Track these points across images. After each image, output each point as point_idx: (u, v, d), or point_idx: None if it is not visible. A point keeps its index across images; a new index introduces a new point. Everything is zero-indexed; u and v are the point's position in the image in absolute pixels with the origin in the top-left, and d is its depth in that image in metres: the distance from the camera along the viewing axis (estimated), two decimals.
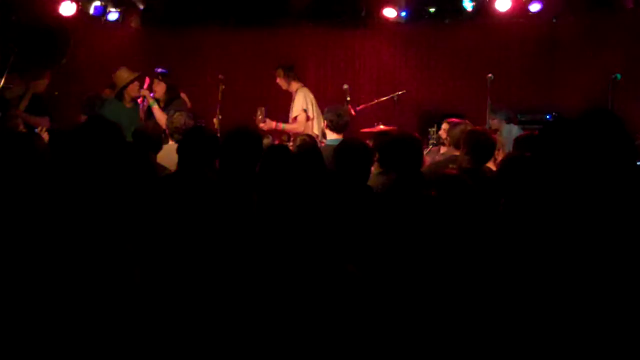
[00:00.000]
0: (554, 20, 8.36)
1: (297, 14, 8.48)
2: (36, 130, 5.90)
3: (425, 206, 2.99)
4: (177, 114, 5.28)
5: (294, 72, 7.08)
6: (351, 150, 3.88)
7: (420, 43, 8.96)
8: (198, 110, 6.40)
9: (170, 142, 5.15)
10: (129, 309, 2.86)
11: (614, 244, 2.74)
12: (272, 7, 8.49)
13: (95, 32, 8.06)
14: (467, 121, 5.46)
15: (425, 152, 5.55)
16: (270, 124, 6.74)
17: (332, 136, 5.37)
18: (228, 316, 2.91)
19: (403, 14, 8.36)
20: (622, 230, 2.76)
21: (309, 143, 4.91)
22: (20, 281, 2.81)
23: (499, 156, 4.72)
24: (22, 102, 6.40)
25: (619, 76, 6.66)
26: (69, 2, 7.35)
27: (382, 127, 6.83)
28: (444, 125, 5.65)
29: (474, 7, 8.02)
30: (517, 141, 4.59)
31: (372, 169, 4.16)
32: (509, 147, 5.51)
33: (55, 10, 7.33)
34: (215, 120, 6.75)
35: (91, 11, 7.77)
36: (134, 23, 8.39)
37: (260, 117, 6.70)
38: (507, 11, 7.75)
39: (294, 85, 7.05)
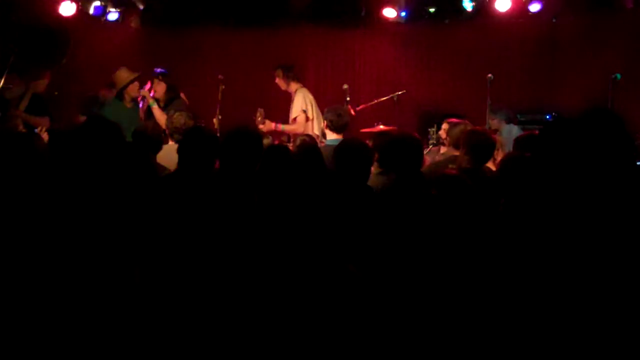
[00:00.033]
0: (554, 20, 8.36)
1: (297, 14, 8.47)
2: (36, 130, 5.90)
3: (425, 206, 2.99)
4: (177, 114, 5.28)
5: (293, 73, 7.08)
6: (351, 150, 3.87)
7: (420, 43, 8.95)
8: (198, 110, 6.39)
9: (170, 142, 5.15)
10: (129, 309, 2.86)
11: (614, 243, 2.74)
12: (272, 7, 8.49)
13: (95, 32, 8.05)
14: (467, 121, 5.46)
15: (425, 152, 5.54)
16: (269, 126, 6.74)
17: (332, 136, 5.37)
18: (228, 316, 2.91)
19: (403, 14, 8.36)
20: (622, 230, 2.76)
21: (309, 143, 4.91)
22: (20, 281, 2.81)
23: (499, 156, 4.72)
24: (22, 102, 6.39)
25: (619, 76, 6.66)
26: (69, 2, 7.35)
27: (382, 127, 6.83)
28: (444, 125, 5.65)
29: (473, 7, 8.02)
30: (518, 141, 4.59)
31: (372, 169, 4.16)
32: (509, 147, 5.51)
33: (55, 10, 7.33)
34: (215, 120, 6.75)
35: (91, 11, 7.77)
36: (134, 23, 8.39)
37: (259, 118, 6.70)
38: (507, 11, 7.75)
39: (293, 86, 7.05)
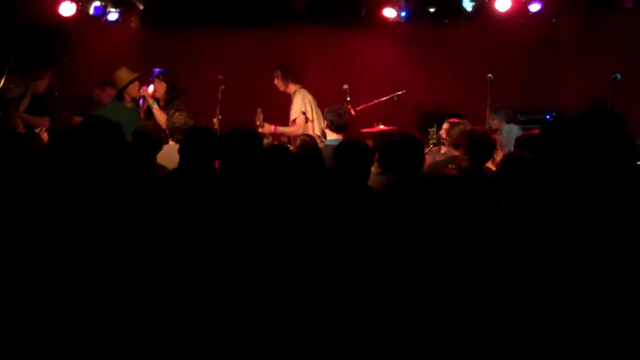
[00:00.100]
0: (554, 20, 8.35)
1: (297, 14, 8.47)
2: (36, 130, 5.90)
3: (429, 202, 2.99)
4: (177, 114, 5.28)
5: (292, 74, 7.07)
6: (351, 150, 3.88)
7: (420, 43, 8.95)
8: (198, 110, 6.38)
9: (171, 143, 5.15)
10: (131, 308, 2.86)
11: (614, 243, 2.74)
12: (272, 8, 8.48)
13: (95, 32, 8.05)
14: (466, 121, 5.46)
15: (425, 152, 5.54)
16: (269, 128, 6.72)
17: (332, 136, 5.38)
18: (228, 315, 2.91)
19: (403, 14, 8.35)
20: (622, 229, 2.76)
21: (309, 143, 4.91)
22: (21, 281, 2.81)
23: (498, 156, 4.72)
24: (22, 103, 6.40)
25: (619, 76, 6.66)
26: (69, 2, 7.35)
27: (382, 127, 6.83)
28: (445, 125, 5.65)
29: (473, 7, 8.02)
30: (519, 141, 4.59)
31: (372, 169, 4.16)
32: (509, 147, 5.51)
33: (55, 10, 7.32)
34: (215, 120, 6.74)
35: (91, 11, 7.77)
36: (134, 23, 8.39)
37: (258, 122, 6.68)
38: (507, 11, 7.75)
39: (292, 87, 7.04)
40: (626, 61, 7.54)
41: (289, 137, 6.91)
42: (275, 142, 6.27)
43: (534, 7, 7.85)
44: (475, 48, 8.63)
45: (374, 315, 2.70)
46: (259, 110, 6.75)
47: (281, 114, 7.10)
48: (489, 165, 4.58)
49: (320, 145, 5.32)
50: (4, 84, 6.25)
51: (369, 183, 3.96)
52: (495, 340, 2.77)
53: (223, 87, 6.83)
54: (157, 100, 6.54)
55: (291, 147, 5.26)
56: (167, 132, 5.32)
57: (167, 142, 5.15)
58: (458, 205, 3.14)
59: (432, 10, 8.40)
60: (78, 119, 6.37)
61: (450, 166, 4.56)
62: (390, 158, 4.11)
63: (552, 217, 2.91)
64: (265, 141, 4.95)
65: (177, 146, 3.92)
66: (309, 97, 6.97)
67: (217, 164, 3.85)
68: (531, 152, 3.47)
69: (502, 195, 3.42)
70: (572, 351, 2.68)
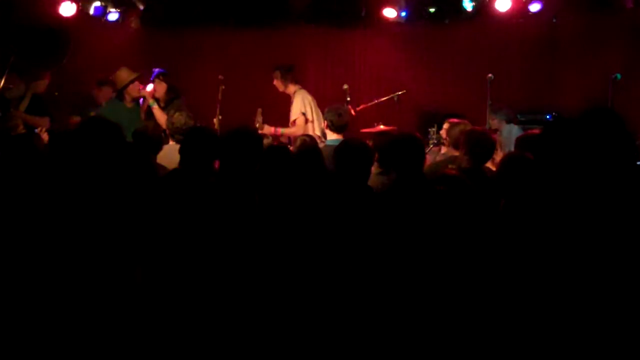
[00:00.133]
0: (554, 20, 8.35)
1: (297, 14, 8.47)
2: (36, 130, 5.90)
3: (431, 200, 2.99)
4: (177, 114, 5.28)
5: (291, 74, 7.06)
6: (351, 150, 3.88)
7: (420, 43, 8.94)
8: (198, 110, 6.38)
9: (171, 143, 5.15)
10: (131, 308, 2.86)
11: (614, 243, 2.74)
12: (272, 8, 8.48)
13: (95, 33, 8.04)
14: (466, 121, 5.46)
15: (426, 152, 5.54)
16: (269, 130, 6.72)
17: (332, 136, 5.38)
18: (229, 315, 2.91)
19: (403, 14, 8.35)
20: (622, 229, 2.76)
21: (309, 143, 4.91)
22: (21, 281, 2.81)
23: (498, 156, 4.72)
24: (22, 103, 6.40)
25: (619, 76, 6.67)
26: (69, 2, 7.35)
27: (382, 127, 6.83)
28: (446, 125, 5.65)
29: (474, 7, 8.02)
30: (519, 141, 4.59)
31: (372, 169, 4.16)
32: (509, 147, 5.51)
33: (55, 10, 7.32)
34: (215, 120, 6.74)
35: (91, 11, 7.78)
36: (134, 23, 8.39)
37: (258, 124, 6.68)
38: (507, 11, 7.75)
39: (292, 88, 7.03)
40: (626, 61, 7.54)
41: (289, 137, 6.91)
42: (275, 143, 6.28)
43: (534, 7, 7.85)
44: (475, 48, 8.63)
45: (374, 315, 2.70)
46: (259, 110, 6.74)
47: (281, 114, 7.10)
48: (489, 165, 4.58)
49: (321, 145, 5.32)
50: (4, 84, 6.25)
51: (369, 183, 3.96)
52: (496, 340, 2.77)
53: (223, 87, 6.83)
54: (157, 100, 6.55)
55: (291, 148, 5.26)
56: (167, 132, 5.32)
57: (167, 142, 5.15)
58: (458, 206, 3.14)
59: (432, 10, 8.40)
60: (78, 119, 6.38)
61: (450, 166, 4.56)
62: (391, 158, 4.11)
63: (552, 217, 2.91)
64: (265, 141, 4.95)
65: (177, 146, 3.93)
66: (308, 98, 6.97)
67: (217, 164, 3.85)
68: (531, 152, 3.47)
69: (502, 195, 3.42)
70: (572, 351, 2.68)
